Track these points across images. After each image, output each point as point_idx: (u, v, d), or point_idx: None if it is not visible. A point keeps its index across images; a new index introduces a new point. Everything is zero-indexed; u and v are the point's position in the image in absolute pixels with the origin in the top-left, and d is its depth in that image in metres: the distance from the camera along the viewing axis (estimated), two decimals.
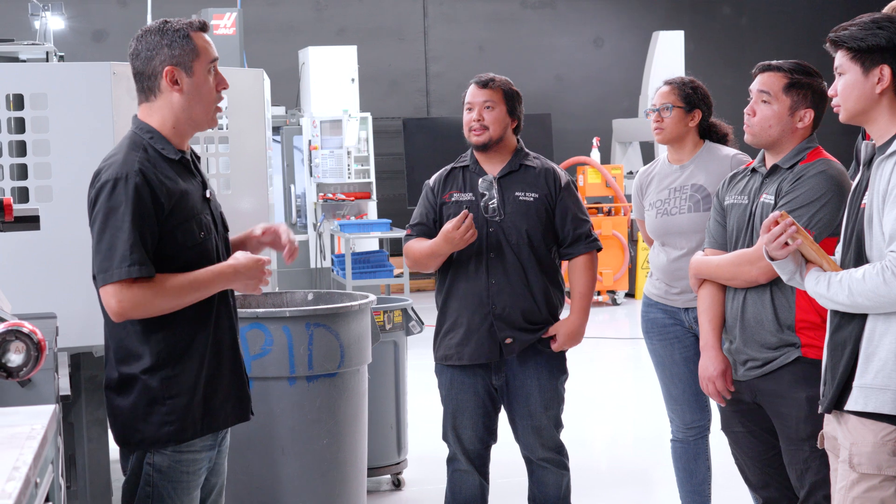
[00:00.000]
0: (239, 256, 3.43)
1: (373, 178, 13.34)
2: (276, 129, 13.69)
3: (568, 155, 14.53)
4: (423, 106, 16.92)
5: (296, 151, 13.79)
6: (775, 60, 4.04)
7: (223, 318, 3.49)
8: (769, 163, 4.06)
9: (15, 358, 2.32)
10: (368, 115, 13.54)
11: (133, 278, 3.20)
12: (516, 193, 4.74)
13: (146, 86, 3.38)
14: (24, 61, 6.40)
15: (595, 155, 14.31)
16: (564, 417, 4.88)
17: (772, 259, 3.49)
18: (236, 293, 3.63)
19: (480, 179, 4.74)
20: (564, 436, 4.89)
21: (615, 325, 12.77)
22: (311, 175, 13.15)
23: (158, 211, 3.27)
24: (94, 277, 3.31)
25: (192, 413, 3.37)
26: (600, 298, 13.79)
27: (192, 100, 3.37)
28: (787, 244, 3.41)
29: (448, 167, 4.89)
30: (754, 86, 4.03)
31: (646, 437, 7.65)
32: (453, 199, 4.78)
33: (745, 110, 4.04)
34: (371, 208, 13.24)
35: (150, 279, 3.24)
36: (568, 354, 4.87)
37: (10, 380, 2.33)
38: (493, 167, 4.79)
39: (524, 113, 4.85)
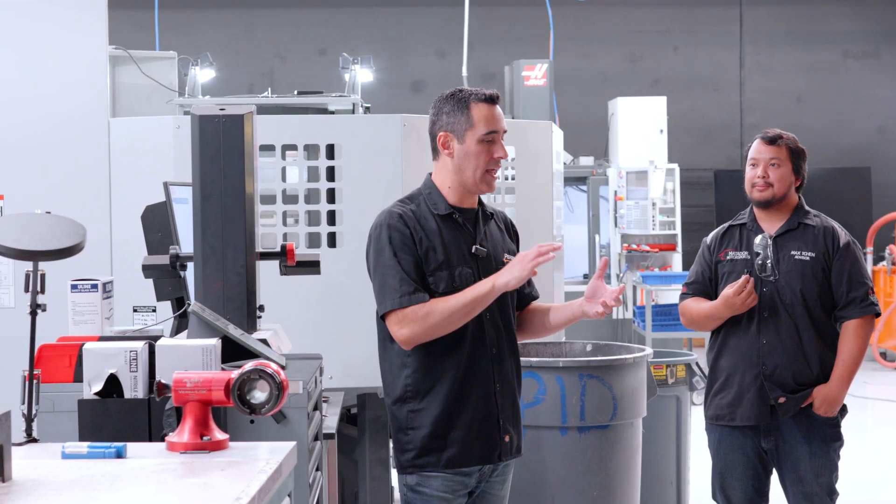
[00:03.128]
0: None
1: (678, 230, 13.25)
2: (582, 180, 13.85)
3: (888, 210, 13.98)
4: (736, 158, 16.65)
5: (602, 201, 13.88)
6: None
7: (478, 360, 3.64)
8: None
9: (259, 395, 2.50)
10: (676, 166, 13.47)
11: (405, 306, 3.53)
12: (792, 252, 4.64)
13: (432, 146, 3.72)
14: (332, 112, 6.77)
15: None
16: (853, 483, 4.67)
17: None
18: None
19: (758, 238, 4.67)
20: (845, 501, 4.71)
21: None
22: (615, 225, 13.20)
23: (416, 250, 3.59)
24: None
25: (430, 448, 3.62)
26: None
27: (461, 165, 3.65)
28: None
29: (726, 225, 4.86)
30: None
31: None
32: (728, 257, 4.73)
33: None
34: (676, 260, 13.14)
35: (423, 304, 3.53)
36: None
37: (254, 416, 2.50)
38: (771, 225, 4.71)
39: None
